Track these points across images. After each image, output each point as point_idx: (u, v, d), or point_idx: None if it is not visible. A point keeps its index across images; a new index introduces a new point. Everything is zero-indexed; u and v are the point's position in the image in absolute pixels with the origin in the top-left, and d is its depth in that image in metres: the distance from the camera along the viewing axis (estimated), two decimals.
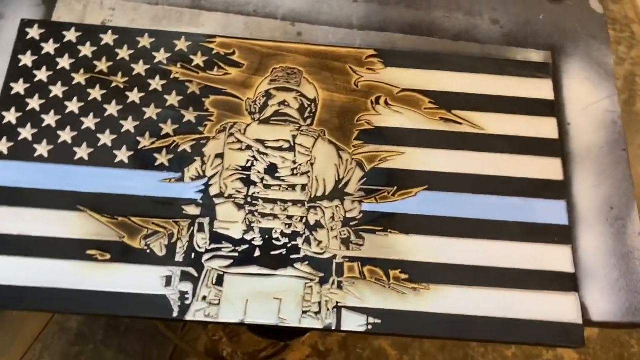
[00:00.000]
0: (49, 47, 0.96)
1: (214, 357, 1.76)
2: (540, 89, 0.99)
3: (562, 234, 0.89)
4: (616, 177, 0.96)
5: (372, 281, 0.84)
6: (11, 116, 0.91)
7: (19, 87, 0.93)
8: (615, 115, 1.01)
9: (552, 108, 0.97)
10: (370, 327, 0.82)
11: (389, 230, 0.87)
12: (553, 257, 0.88)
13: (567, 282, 0.86)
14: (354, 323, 0.82)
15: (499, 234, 0.89)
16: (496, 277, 0.86)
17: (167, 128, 0.92)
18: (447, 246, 0.87)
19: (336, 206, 0.89)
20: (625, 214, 0.94)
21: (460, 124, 0.95)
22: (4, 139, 0.89)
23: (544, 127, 0.96)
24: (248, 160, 0.91)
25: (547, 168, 0.93)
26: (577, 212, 0.94)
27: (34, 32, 0.96)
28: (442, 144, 0.94)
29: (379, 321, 0.82)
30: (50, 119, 0.91)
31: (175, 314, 0.81)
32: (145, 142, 0.91)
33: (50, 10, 1.03)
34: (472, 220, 0.89)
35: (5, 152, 0.89)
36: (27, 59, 0.94)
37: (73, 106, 0.92)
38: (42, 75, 0.94)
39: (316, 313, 0.82)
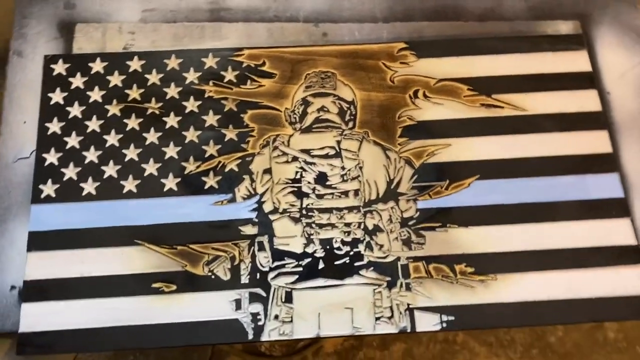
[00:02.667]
0: (78, 81, 0.94)
1: (252, 354, 1.77)
2: (576, 61, 0.97)
3: (620, 207, 0.89)
4: None
5: (439, 279, 0.84)
6: (52, 157, 0.89)
7: (55, 127, 0.91)
8: None
9: (592, 80, 0.96)
10: (444, 324, 0.82)
11: (448, 225, 0.87)
12: (614, 232, 0.87)
13: (631, 255, 0.86)
14: (428, 323, 0.82)
15: (556, 214, 0.88)
16: (559, 259, 0.86)
17: (210, 149, 0.91)
18: (507, 234, 0.87)
19: (391, 207, 0.88)
20: None
21: (502, 107, 0.94)
22: (49, 181, 0.88)
23: (586, 100, 0.95)
24: (297, 172, 0.90)
25: (595, 142, 0.93)
26: (629, 182, 0.93)
27: (59, 68, 0.94)
28: (486, 130, 0.93)
29: (452, 318, 0.82)
30: (91, 155, 0.90)
31: (250, 337, 0.81)
32: (190, 166, 0.90)
33: (69, 42, 1.00)
34: (528, 204, 0.89)
35: (53, 194, 0.87)
36: (57, 96, 0.93)
37: (112, 139, 0.91)
38: (75, 111, 0.92)
39: (389, 318, 0.82)
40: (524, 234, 0.87)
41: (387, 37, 1.02)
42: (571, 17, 1.04)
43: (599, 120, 0.94)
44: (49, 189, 0.88)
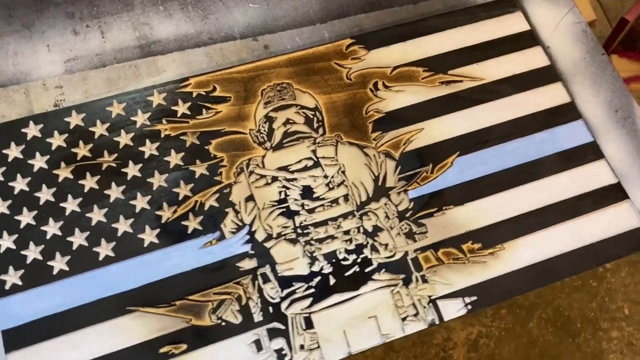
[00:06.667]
0: (14, 152, 0.83)
1: None
2: (515, 23, 1.00)
3: (593, 150, 0.92)
4: (608, 81, 1.00)
5: (451, 262, 0.83)
6: (7, 242, 0.79)
7: (1, 207, 0.80)
8: (583, 24, 1.04)
9: (533, 37, 0.99)
10: (469, 307, 0.80)
11: (444, 208, 0.86)
12: (594, 174, 0.90)
13: (615, 193, 0.89)
14: (453, 310, 0.80)
15: (539, 172, 0.90)
16: (555, 213, 0.87)
17: (183, 190, 0.84)
18: (500, 201, 0.87)
19: (385, 204, 0.85)
20: (629, 112, 0.98)
21: (461, 81, 0.94)
22: (10, 269, 0.77)
23: (533, 58, 0.98)
24: (280, 192, 0.85)
25: (553, 94, 0.95)
26: (591, 125, 0.96)
27: None
28: (453, 106, 0.93)
29: (475, 298, 0.81)
30: (52, 228, 0.80)
31: None
32: (166, 213, 0.82)
33: None
34: (511, 168, 0.90)
35: (19, 282, 0.77)
36: None
37: (71, 205, 0.81)
38: (20, 184, 0.82)
39: (415, 315, 0.80)
40: (516, 197, 0.88)
41: (329, 37, 1.00)
42: None
43: (551, 73, 0.97)
44: (12, 277, 0.77)
